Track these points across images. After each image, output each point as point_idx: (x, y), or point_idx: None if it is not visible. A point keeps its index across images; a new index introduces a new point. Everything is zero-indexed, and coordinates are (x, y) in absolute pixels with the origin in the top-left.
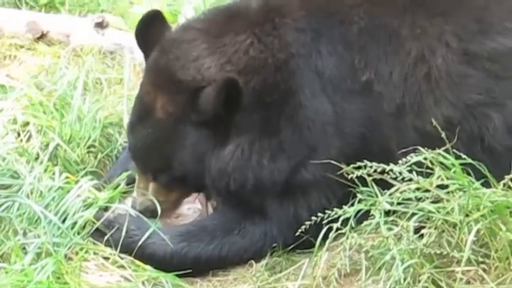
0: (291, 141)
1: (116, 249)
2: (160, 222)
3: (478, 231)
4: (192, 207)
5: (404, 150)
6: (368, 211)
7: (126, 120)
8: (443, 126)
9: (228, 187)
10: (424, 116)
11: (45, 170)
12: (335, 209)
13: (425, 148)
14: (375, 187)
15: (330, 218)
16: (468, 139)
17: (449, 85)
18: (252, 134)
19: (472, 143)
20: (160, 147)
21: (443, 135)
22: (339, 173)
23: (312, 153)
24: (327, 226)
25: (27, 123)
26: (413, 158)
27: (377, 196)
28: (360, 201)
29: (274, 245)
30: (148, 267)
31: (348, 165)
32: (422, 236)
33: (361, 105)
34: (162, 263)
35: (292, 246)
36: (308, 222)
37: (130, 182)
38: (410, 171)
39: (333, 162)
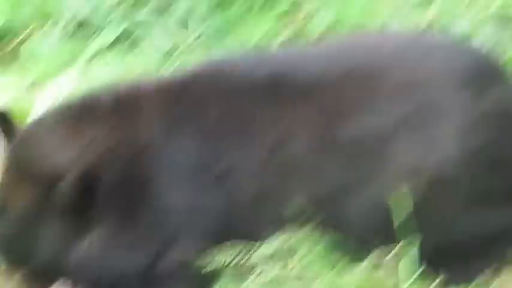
0: (147, 232)
1: None
2: None
3: None
4: None
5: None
6: None
7: None
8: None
9: (85, 279)
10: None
11: None
12: None
13: None
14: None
15: None
16: None
17: (306, 173)
18: (108, 224)
19: None
20: (17, 240)
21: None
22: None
23: (169, 245)
24: None
25: None
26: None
27: None
28: None
29: None
30: None
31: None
32: None
33: (216, 197)
34: None
35: None
36: None
37: None
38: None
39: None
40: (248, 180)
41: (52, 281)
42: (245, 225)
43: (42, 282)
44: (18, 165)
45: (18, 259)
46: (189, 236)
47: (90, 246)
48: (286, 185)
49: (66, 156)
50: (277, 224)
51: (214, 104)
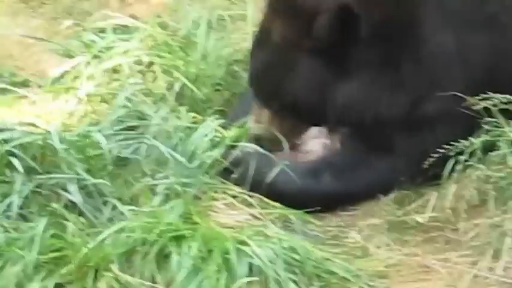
0: (412, 75)
1: (244, 188)
2: (289, 159)
3: None
4: (320, 143)
5: None
6: (495, 142)
7: None
8: None
9: (350, 121)
10: None
11: (172, 110)
12: (461, 140)
13: None
14: (501, 118)
15: (457, 150)
16: None
17: None
18: (373, 67)
19: None
20: (272, 71)
21: None
22: (464, 105)
23: (436, 87)
24: (454, 158)
25: (152, 64)
26: None
27: (503, 127)
28: (486, 132)
29: (401, 179)
30: (277, 204)
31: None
32: None
33: (487, 36)
34: (291, 200)
35: (419, 180)
36: (435, 155)
37: None
38: None
39: (458, 94)
40: None
41: (301, 123)
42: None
43: (291, 123)
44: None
45: (266, 92)
46: (456, 79)
47: (356, 89)
48: None
49: None
50: None
51: None
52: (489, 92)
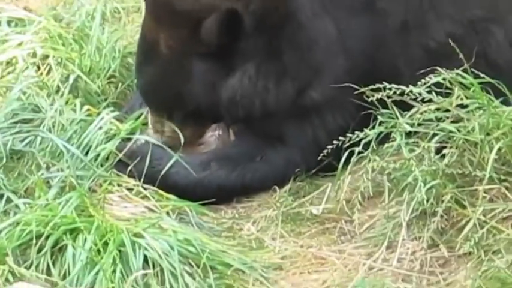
0: (294, 63)
1: (140, 180)
2: (184, 151)
3: (499, 149)
4: (214, 135)
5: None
6: (389, 133)
7: None
8: (446, 43)
9: (238, 115)
10: (427, 33)
11: (66, 103)
12: (356, 132)
13: (431, 65)
14: (395, 109)
15: (351, 142)
16: (471, 55)
17: (451, 1)
18: (256, 59)
19: (476, 59)
20: (169, 84)
21: (459, 54)
22: (350, 92)
23: (318, 74)
24: (349, 150)
25: (46, 56)
26: (433, 79)
27: (397, 118)
28: (380, 123)
29: (297, 170)
30: (172, 196)
31: (358, 85)
32: (443, 156)
33: (365, 22)
34: (186, 192)
35: (314, 171)
36: (330, 146)
37: None
38: (429, 92)
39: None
40: (395, 6)
41: (202, 125)
42: (392, 55)
43: (193, 127)
44: (160, 7)
45: (168, 105)
46: (338, 66)
47: (240, 82)
48: (430, 13)
49: None
50: (423, 58)
51: None
52: (372, 79)
